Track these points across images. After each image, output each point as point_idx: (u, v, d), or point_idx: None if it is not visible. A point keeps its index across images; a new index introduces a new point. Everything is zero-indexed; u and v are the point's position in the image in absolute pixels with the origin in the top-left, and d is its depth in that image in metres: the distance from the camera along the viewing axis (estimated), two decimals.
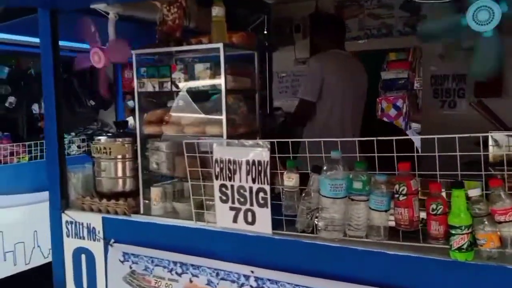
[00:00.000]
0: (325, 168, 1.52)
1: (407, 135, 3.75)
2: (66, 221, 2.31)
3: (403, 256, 1.45)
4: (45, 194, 4.12)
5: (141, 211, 2.15)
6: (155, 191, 2.12)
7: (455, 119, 3.27)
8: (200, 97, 2.09)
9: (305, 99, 2.77)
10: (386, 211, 1.47)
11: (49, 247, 4.18)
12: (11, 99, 4.02)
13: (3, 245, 3.92)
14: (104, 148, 2.22)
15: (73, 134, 4.46)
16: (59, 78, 2.37)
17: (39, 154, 4.19)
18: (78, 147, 4.48)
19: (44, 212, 4.07)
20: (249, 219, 1.78)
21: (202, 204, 1.97)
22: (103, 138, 2.28)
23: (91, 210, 2.29)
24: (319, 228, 1.59)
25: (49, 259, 4.19)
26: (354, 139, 1.68)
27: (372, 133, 2.24)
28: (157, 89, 2.05)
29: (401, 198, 1.42)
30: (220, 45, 1.84)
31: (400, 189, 1.41)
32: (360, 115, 2.92)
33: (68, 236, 2.31)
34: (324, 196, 1.53)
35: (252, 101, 2.10)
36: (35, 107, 4.25)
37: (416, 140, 3.14)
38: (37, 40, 3.77)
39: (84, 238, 2.26)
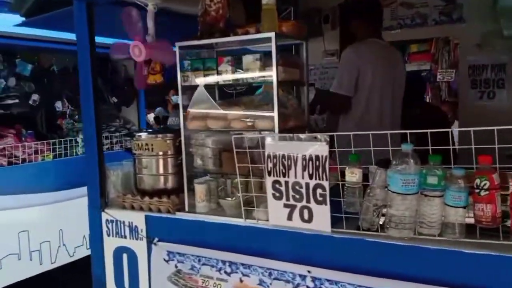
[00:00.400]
0: (394, 162, 1.44)
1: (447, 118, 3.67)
2: (106, 220, 2.25)
3: (482, 255, 1.36)
4: (70, 193, 4.14)
5: (186, 209, 2.08)
6: (200, 188, 2.06)
7: (494, 110, 3.16)
8: (245, 90, 2.02)
9: (339, 93, 2.66)
10: (464, 207, 1.39)
11: (75, 246, 4.20)
12: (35, 96, 3.97)
13: (29, 244, 3.90)
14: (146, 144, 2.15)
15: None
16: (96, 74, 2.30)
17: (63, 152, 4.16)
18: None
19: (69, 210, 4.08)
20: (306, 216, 1.71)
21: (248, 201, 1.90)
22: (144, 134, 2.21)
23: (132, 208, 2.23)
24: (387, 226, 1.51)
25: (75, 257, 4.20)
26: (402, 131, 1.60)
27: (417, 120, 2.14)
28: (201, 82, 1.97)
29: (482, 193, 1.34)
30: (272, 35, 1.76)
31: (482, 184, 1.33)
32: (399, 107, 2.83)
33: (108, 235, 2.25)
34: (394, 192, 1.45)
35: (300, 93, 2.01)
36: (58, 105, 4.20)
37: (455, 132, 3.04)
38: (60, 35, 3.74)
39: (125, 237, 2.20)
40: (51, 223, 4.00)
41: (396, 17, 3.43)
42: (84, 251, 4.25)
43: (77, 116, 4.50)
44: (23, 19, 2.86)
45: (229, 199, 2.03)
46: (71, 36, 3.81)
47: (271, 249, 1.80)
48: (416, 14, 3.37)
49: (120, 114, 4.75)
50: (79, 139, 4.27)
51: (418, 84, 3.34)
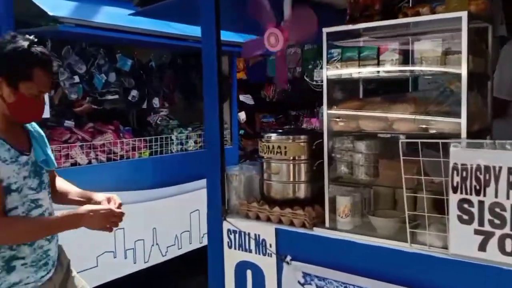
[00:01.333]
0: None
1: None
2: (228, 230, 2.01)
3: None
4: (163, 191, 4.02)
5: (327, 224, 1.77)
6: (344, 201, 1.73)
7: None
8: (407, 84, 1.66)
9: (499, 98, 2.17)
10: None
11: (167, 245, 4.09)
12: (134, 92, 3.90)
13: (124, 242, 3.83)
14: (279, 147, 1.87)
15: (190, 129, 4.28)
16: (221, 72, 2.05)
17: (158, 149, 4.07)
18: (195, 142, 4.29)
19: (162, 209, 3.96)
20: (508, 248, 1.31)
21: (408, 220, 1.55)
22: (274, 135, 1.93)
23: (257, 218, 1.96)
24: None
25: (167, 257, 4.08)
26: None
27: None
28: (355, 75, 1.65)
29: None
30: (463, 15, 1.39)
31: None
32: None
33: (230, 247, 2.00)
34: None
35: (482, 89, 1.62)
36: (156, 101, 4.11)
37: None
38: (162, 29, 3.63)
39: (250, 251, 1.93)
40: (146, 221, 3.91)
41: None
42: (175, 252, 4.14)
43: (164, 113, 4.39)
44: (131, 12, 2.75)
45: (382, 216, 1.69)
46: (172, 30, 3.73)
47: (450, 285, 1.43)
48: None
49: None
50: (173, 137, 4.16)
51: None
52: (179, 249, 4.15)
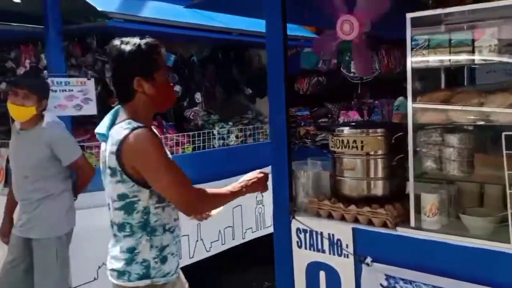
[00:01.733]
0: None
1: None
2: (298, 229, 1.92)
3: None
4: (207, 186, 3.98)
5: (412, 224, 1.66)
6: (431, 199, 1.62)
7: None
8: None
9: None
10: None
11: (211, 241, 4.05)
12: (177, 87, 3.84)
13: None
14: (354, 141, 1.76)
15: (230, 123, 4.20)
16: (287, 65, 1.95)
17: (201, 144, 4.02)
18: (236, 137, 4.21)
19: None
20: None
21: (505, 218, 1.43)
22: (347, 129, 1.82)
23: (329, 216, 1.87)
24: None
25: (211, 252, 4.04)
26: None
27: None
28: (446, 62, 1.53)
29: None
30: None
31: None
32: None
33: (299, 246, 1.92)
34: None
35: None
36: (198, 96, 4.05)
37: None
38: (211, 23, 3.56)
39: (324, 252, 1.84)
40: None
41: None
42: (219, 247, 4.10)
43: (198, 108, 4.32)
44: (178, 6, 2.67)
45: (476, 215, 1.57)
46: (217, 23, 3.65)
47: None
48: None
49: (253, 106, 4.51)
50: (215, 132, 4.09)
51: None
52: (222, 244, 4.10)
